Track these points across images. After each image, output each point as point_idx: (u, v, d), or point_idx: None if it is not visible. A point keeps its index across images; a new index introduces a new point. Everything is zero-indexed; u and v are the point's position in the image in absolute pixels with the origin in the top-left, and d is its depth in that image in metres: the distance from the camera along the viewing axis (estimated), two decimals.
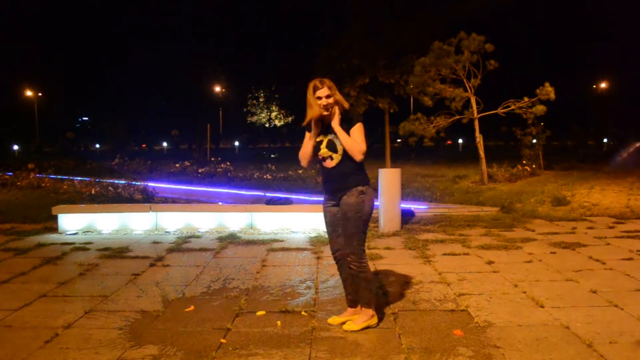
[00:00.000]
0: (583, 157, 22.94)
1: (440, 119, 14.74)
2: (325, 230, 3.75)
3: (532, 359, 3.05)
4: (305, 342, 3.35)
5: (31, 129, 52.95)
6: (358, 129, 3.46)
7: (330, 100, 3.42)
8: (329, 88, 3.42)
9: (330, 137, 3.50)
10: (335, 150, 3.48)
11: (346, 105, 3.51)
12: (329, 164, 3.51)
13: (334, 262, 3.75)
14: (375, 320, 3.61)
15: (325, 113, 3.44)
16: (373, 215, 8.21)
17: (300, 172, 15.92)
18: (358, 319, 3.58)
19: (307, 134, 3.56)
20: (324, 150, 3.50)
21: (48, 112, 54.95)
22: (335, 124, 3.45)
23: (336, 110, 3.46)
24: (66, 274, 5.06)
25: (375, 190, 9.62)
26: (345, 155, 3.47)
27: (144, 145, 71.74)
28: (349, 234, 3.51)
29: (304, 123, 3.55)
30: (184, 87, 47.24)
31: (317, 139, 3.53)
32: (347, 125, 3.47)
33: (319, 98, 3.40)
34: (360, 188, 3.50)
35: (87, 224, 7.42)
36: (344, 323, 3.61)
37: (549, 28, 61.53)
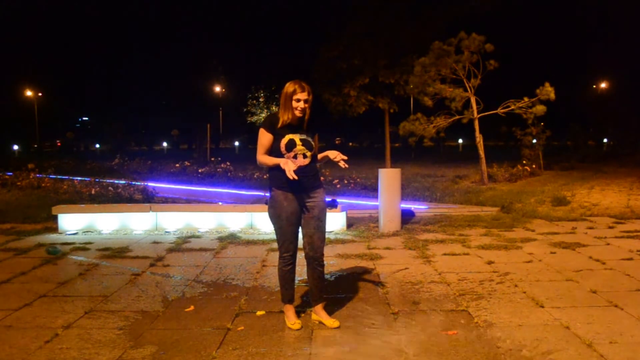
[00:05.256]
0: (583, 157, 22.96)
1: (440, 119, 14.74)
2: (285, 229, 3.58)
3: (532, 359, 3.05)
4: (305, 341, 3.35)
5: (31, 129, 52.92)
6: (316, 137, 3.65)
7: (307, 105, 3.48)
8: (309, 93, 3.48)
9: (301, 136, 3.51)
10: (310, 149, 3.54)
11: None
12: (303, 161, 3.51)
13: (289, 263, 3.63)
14: None
15: (300, 115, 3.49)
16: (373, 215, 8.24)
17: None
18: (327, 315, 3.68)
19: (263, 131, 3.51)
20: (300, 147, 3.49)
21: (48, 112, 54.93)
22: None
23: (308, 112, 3.52)
24: (66, 274, 5.06)
25: (375, 189, 9.67)
26: (314, 155, 3.59)
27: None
28: (322, 232, 3.65)
29: (279, 125, 3.47)
30: (183, 87, 47.20)
31: (288, 137, 3.48)
32: (314, 129, 3.60)
33: (298, 100, 3.45)
34: (323, 188, 3.70)
35: (87, 224, 7.42)
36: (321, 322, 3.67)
37: (549, 28, 61.52)
